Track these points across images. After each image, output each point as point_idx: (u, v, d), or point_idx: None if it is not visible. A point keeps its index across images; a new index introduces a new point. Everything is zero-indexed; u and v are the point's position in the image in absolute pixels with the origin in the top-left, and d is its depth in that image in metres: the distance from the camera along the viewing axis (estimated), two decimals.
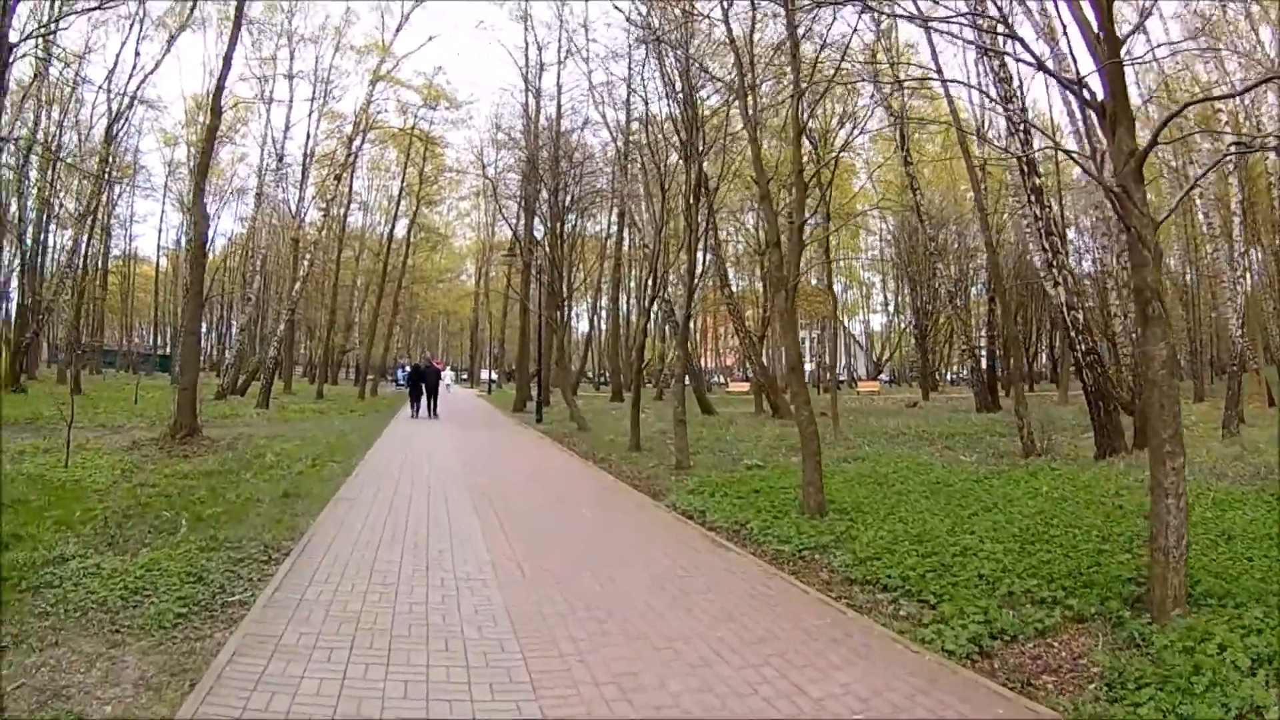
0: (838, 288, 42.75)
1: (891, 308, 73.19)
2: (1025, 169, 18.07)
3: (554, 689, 5.18)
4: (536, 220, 35.11)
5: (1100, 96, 6.74)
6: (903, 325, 66.46)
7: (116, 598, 6.58)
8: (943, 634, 6.12)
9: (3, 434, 17.19)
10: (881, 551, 8.37)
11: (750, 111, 13.99)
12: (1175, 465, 6.26)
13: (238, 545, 8.53)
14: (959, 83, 16.94)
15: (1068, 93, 14.62)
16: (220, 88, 20.55)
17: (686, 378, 20.04)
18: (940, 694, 5.15)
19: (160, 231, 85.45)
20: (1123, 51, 6.76)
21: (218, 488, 12.07)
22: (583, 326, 66.46)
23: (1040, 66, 7.84)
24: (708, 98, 19.61)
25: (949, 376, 73.69)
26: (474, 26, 73.82)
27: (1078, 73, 11.27)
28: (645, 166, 23.60)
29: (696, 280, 18.83)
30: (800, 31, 13.43)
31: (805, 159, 13.79)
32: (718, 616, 6.73)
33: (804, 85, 12.91)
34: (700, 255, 18.34)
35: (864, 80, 22.00)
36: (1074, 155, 10.43)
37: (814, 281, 45.37)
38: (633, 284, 55.24)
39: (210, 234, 55.43)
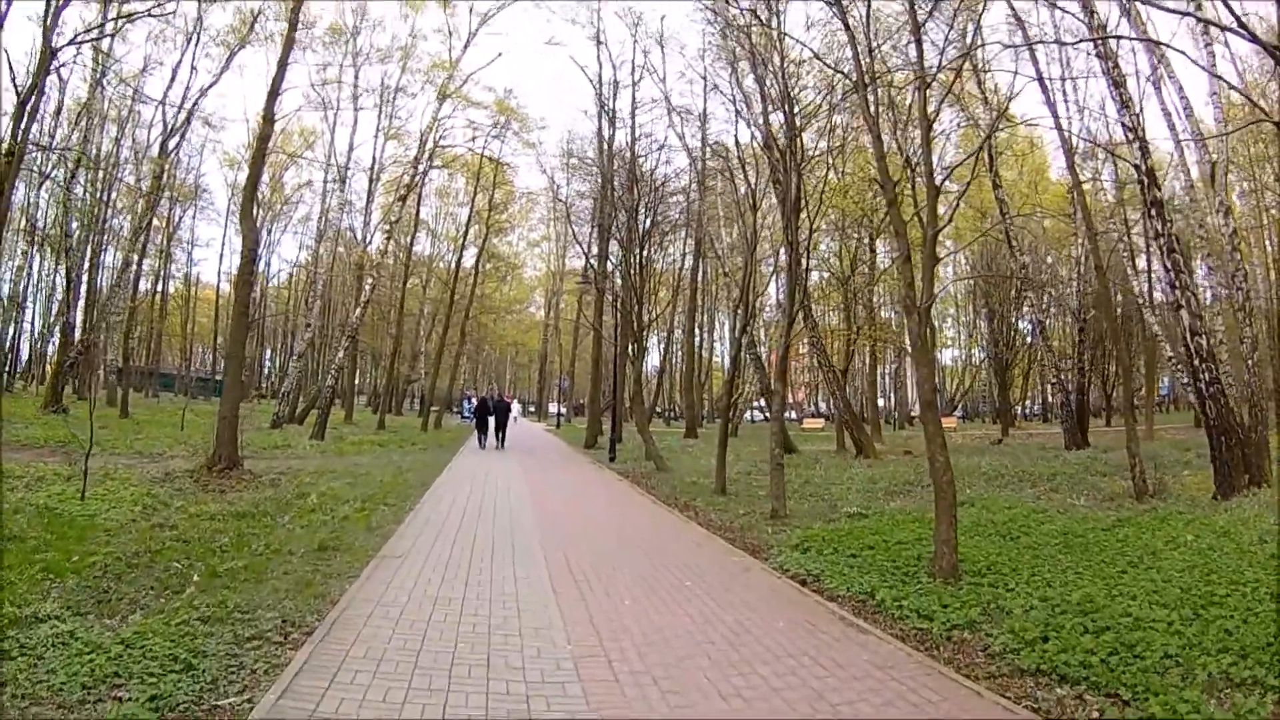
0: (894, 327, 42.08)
1: (964, 339, 70.81)
2: (1145, 180, 16.56)
3: None
4: (611, 247, 33.41)
5: None
6: (978, 358, 64.08)
7: (78, 687, 5.13)
8: None
9: (24, 457, 15.98)
10: (1045, 629, 6.85)
11: (871, 106, 12.10)
12: None
13: (250, 616, 6.82)
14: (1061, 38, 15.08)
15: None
16: (274, 93, 19.35)
17: (766, 414, 18.00)
18: None
19: (222, 257, 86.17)
20: None
21: (246, 534, 10.39)
22: (652, 360, 64.87)
23: (1241, 28, 6.87)
24: (805, 105, 17.75)
25: (1023, 411, 70.96)
26: (544, 43, 72.33)
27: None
28: (734, 182, 21.81)
29: (797, 306, 16.81)
30: (920, 18, 11.62)
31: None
32: None
33: (928, 76, 11.14)
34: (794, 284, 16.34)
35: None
36: None
37: (885, 314, 43.60)
38: (705, 317, 53.78)
39: (268, 257, 55.03)
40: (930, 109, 11.31)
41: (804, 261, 18.75)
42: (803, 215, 16.73)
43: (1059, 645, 6.44)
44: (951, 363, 77.29)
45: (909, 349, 12.42)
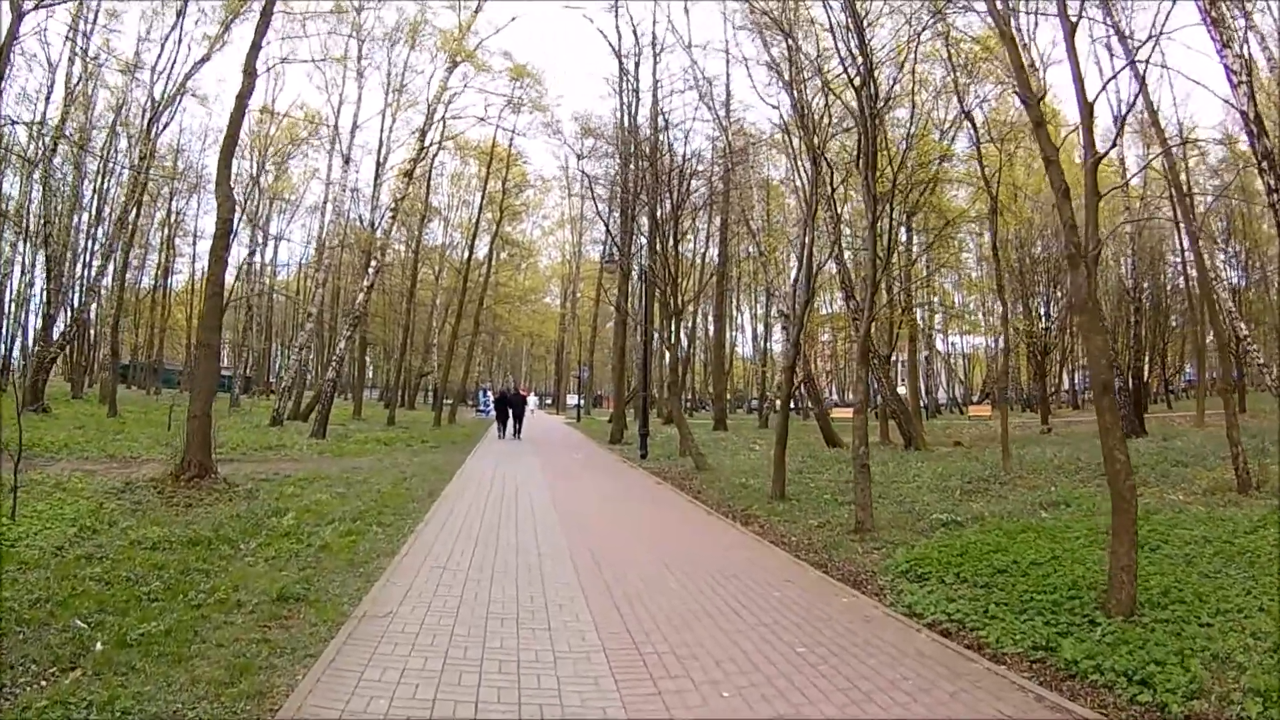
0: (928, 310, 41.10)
1: (995, 324, 69.91)
2: (1254, 129, 14.50)
3: None
4: (637, 225, 31.30)
5: None
6: (1015, 343, 62.74)
7: None
8: None
9: None
10: None
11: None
12: None
13: None
14: None
15: None
16: (256, 46, 17.12)
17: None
18: None
19: (229, 248, 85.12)
20: None
21: (192, 570, 7.95)
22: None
23: None
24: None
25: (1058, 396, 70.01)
26: (561, 6, 70.55)
27: None
28: (787, 142, 19.36)
29: (879, 275, 14.21)
30: None
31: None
32: None
33: None
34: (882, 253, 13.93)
35: None
36: None
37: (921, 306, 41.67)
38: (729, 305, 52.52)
39: (274, 250, 53.34)
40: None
41: (892, 217, 16.17)
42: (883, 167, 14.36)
43: None
44: (973, 350, 76.20)
45: (1075, 311, 9.72)
